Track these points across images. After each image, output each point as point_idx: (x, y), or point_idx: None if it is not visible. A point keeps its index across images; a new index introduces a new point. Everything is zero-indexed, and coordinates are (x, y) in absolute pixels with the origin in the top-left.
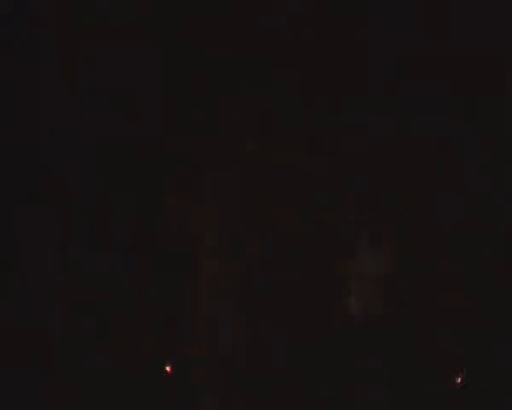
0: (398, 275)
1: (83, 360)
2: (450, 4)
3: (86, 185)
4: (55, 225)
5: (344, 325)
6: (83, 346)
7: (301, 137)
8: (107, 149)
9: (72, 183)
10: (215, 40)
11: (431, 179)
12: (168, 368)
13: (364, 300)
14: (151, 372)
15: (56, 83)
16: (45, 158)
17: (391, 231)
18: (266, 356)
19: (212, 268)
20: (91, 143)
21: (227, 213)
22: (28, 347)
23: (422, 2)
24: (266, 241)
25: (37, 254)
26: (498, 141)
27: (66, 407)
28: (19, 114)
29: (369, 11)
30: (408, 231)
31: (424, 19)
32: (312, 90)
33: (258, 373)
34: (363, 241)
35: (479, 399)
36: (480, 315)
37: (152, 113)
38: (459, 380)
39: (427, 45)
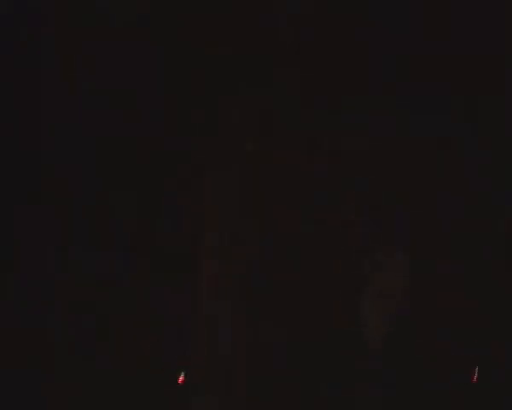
0: (398, 275)
1: (83, 360)
2: (450, 4)
3: (86, 185)
4: (55, 225)
5: (344, 324)
6: (83, 346)
7: (301, 137)
8: (107, 149)
9: (72, 183)
10: (215, 40)
11: (431, 179)
12: (181, 378)
13: (364, 299)
14: (151, 372)
15: (56, 83)
16: (45, 158)
17: (390, 231)
18: (266, 356)
19: (212, 268)
20: (91, 143)
21: (227, 213)
22: (28, 347)
23: (422, 2)
24: (266, 241)
25: (37, 254)
26: (498, 141)
27: (66, 407)
28: (19, 114)
29: (369, 11)
30: (408, 230)
31: (424, 19)
32: (312, 90)
33: (258, 373)
34: (362, 241)
35: (479, 399)
36: (480, 315)
37: (152, 113)
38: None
39: (427, 45)
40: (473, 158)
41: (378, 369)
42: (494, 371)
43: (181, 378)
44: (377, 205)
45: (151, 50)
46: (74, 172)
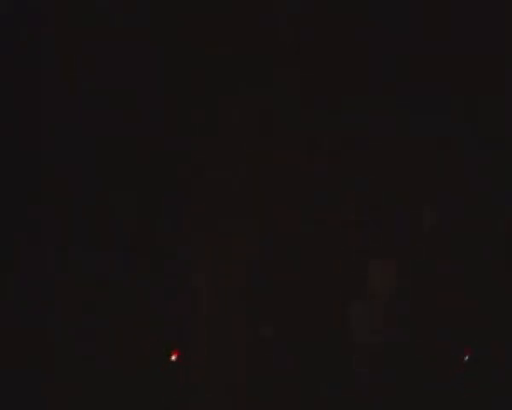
0: (399, 275)
1: (83, 360)
2: (450, 4)
3: (86, 185)
4: (55, 225)
5: (344, 324)
6: (83, 346)
7: (301, 137)
8: (107, 149)
9: (72, 183)
10: (215, 40)
11: (431, 179)
12: (174, 357)
13: (364, 299)
14: (151, 373)
15: (56, 83)
16: (45, 158)
17: (390, 230)
18: (266, 356)
19: (212, 268)
20: (91, 143)
21: (227, 213)
22: (28, 347)
23: (422, 2)
24: (266, 241)
25: (37, 254)
26: (498, 141)
27: (66, 407)
28: (19, 114)
29: (369, 11)
30: (408, 230)
31: (424, 19)
32: (312, 90)
33: (258, 373)
34: (362, 240)
35: (478, 398)
36: (480, 315)
37: (152, 113)
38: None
39: (427, 45)
40: (473, 158)
41: (378, 369)
42: (494, 370)
43: (175, 354)
44: (377, 205)
45: (151, 50)
46: (74, 172)
